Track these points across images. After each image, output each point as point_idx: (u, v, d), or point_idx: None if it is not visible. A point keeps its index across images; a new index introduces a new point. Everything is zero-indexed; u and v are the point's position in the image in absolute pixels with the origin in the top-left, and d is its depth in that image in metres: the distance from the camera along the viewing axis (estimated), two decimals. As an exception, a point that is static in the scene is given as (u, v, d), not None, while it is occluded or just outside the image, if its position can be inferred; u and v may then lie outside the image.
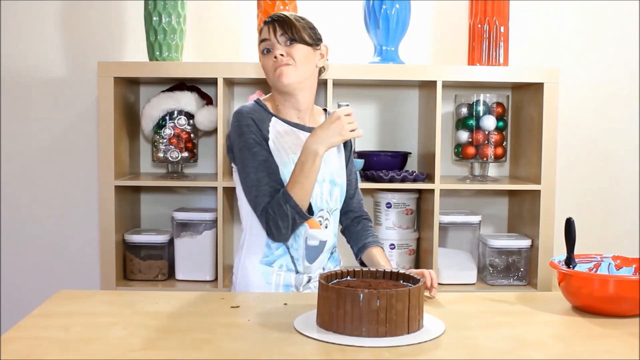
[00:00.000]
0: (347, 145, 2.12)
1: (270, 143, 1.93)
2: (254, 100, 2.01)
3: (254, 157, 1.90)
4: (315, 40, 1.96)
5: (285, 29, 1.92)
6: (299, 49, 1.92)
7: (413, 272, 1.88)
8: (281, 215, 1.85)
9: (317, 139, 1.83)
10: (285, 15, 1.94)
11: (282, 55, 1.91)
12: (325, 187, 1.98)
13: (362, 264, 2.09)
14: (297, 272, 1.98)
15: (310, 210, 1.90)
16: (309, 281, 2.00)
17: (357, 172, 2.24)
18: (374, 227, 2.87)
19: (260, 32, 1.98)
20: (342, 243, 2.22)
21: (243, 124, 1.92)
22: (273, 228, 1.88)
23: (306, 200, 1.87)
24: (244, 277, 1.99)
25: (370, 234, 2.11)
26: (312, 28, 1.97)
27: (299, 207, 1.84)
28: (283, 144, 1.94)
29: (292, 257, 1.97)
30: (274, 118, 1.97)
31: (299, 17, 1.97)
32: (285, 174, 1.91)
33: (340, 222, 2.14)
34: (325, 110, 2.13)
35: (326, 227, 2.00)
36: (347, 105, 2.73)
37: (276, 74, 1.92)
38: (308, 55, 1.94)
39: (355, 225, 2.14)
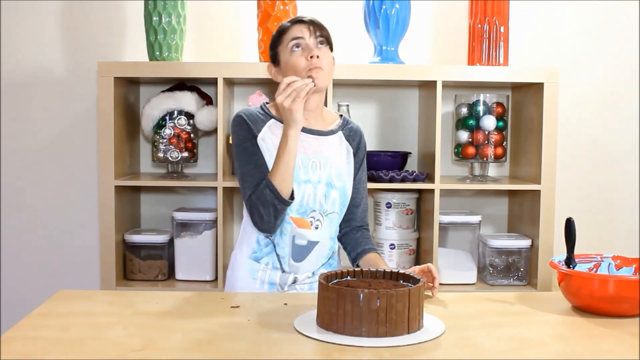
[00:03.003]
0: (359, 153, 2.12)
1: (260, 141, 1.97)
2: (260, 105, 2.06)
3: (244, 152, 1.97)
4: (332, 46, 2.03)
5: (321, 30, 1.97)
6: (327, 53, 1.98)
7: (416, 268, 1.88)
8: (262, 201, 1.89)
9: (284, 125, 1.89)
10: (315, 18, 2.00)
11: (317, 57, 1.93)
12: (321, 188, 1.99)
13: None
14: (282, 270, 2.00)
15: (292, 197, 1.91)
16: (294, 282, 2.01)
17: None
18: (374, 227, 2.88)
19: (286, 30, 1.98)
20: (341, 250, 2.21)
21: (236, 123, 2.00)
22: (256, 215, 1.92)
23: (286, 186, 1.89)
24: (233, 271, 2.07)
25: (370, 242, 2.11)
26: None
27: (277, 191, 1.87)
28: (277, 143, 1.95)
29: (278, 255, 2.00)
30: (272, 120, 2.01)
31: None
32: None
33: (340, 228, 2.13)
34: (341, 116, 2.14)
35: (317, 228, 2.00)
36: (347, 105, 2.73)
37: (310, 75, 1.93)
38: (332, 60, 2.01)
39: (354, 232, 2.13)
